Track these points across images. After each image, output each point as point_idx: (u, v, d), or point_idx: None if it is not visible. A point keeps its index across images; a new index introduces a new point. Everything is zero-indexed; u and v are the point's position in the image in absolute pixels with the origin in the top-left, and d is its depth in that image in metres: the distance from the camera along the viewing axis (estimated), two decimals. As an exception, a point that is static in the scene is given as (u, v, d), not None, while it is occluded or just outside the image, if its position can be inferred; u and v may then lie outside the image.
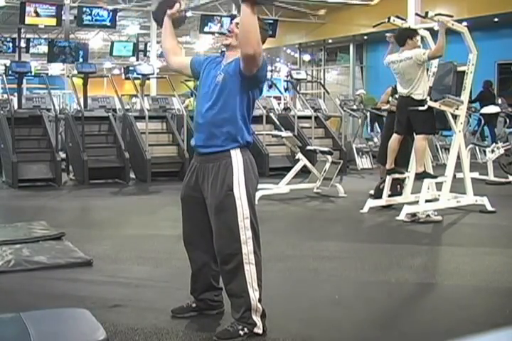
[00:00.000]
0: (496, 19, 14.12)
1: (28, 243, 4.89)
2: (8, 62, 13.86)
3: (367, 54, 18.97)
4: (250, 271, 3.03)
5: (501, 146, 9.32)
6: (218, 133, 3.07)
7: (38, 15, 13.08)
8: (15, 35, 15.32)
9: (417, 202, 6.30)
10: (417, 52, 6.21)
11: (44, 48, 15.66)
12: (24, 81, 12.01)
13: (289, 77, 12.00)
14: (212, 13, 16.35)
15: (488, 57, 11.30)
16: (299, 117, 10.69)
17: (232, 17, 14.43)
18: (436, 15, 6.17)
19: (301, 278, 4.21)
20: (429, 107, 6.25)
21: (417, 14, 7.48)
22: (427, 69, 6.46)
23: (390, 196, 6.76)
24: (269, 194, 7.42)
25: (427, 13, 6.18)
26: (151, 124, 9.49)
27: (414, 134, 6.43)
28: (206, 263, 3.26)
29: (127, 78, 15.93)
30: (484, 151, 9.80)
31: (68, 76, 13.40)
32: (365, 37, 17.50)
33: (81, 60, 13.53)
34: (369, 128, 12.98)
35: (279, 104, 12.80)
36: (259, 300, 3.05)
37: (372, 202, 6.67)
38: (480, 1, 13.63)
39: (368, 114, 12.52)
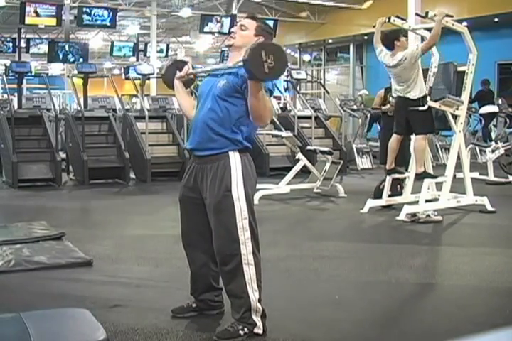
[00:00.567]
0: (496, 19, 14.13)
1: (28, 243, 4.89)
2: (8, 62, 13.86)
3: (367, 54, 18.97)
4: (249, 271, 3.03)
5: (501, 146, 9.32)
6: (214, 137, 3.06)
7: (38, 15, 13.07)
8: (15, 35, 15.32)
9: (417, 202, 6.30)
10: (409, 51, 6.17)
11: (44, 47, 15.66)
12: (24, 81, 12.02)
13: (289, 77, 11.99)
14: (212, 13, 16.35)
15: (488, 57, 11.29)
16: (299, 117, 10.69)
17: (233, 17, 14.46)
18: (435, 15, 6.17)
19: (301, 278, 4.21)
20: (428, 107, 6.24)
21: (417, 14, 7.48)
22: (427, 69, 6.46)
23: (390, 196, 6.76)
24: (269, 194, 7.42)
25: (427, 13, 6.18)
26: (151, 124, 9.50)
27: (414, 135, 6.42)
28: (205, 264, 3.26)
29: (127, 78, 15.92)
30: (484, 151, 9.80)
31: (68, 76, 13.41)
32: (365, 37, 17.49)
33: (81, 60, 13.52)
34: (365, 129, 12.93)
35: (278, 104, 12.78)
36: (259, 301, 3.05)
37: (372, 202, 6.67)
38: (480, 1, 13.64)
39: (369, 114, 12.50)
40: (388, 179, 6.71)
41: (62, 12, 13.50)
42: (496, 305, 3.72)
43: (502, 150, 9.22)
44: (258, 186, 7.27)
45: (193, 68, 3.42)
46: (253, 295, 3.03)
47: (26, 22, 13.09)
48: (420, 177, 6.40)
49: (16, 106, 10.29)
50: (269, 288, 3.32)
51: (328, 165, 7.88)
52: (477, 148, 10.42)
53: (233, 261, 3.03)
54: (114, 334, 3.04)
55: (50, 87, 11.14)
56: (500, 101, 12.44)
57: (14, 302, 3.62)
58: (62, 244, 4.93)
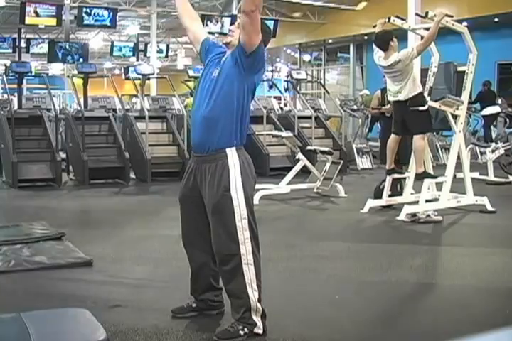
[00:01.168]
0: (496, 19, 14.13)
1: (28, 243, 4.89)
2: (8, 62, 13.85)
3: (367, 54, 18.96)
4: (249, 271, 3.03)
5: (501, 146, 9.32)
6: (212, 131, 3.07)
7: (38, 15, 13.04)
8: (15, 35, 15.31)
9: (417, 202, 6.30)
10: (405, 53, 6.12)
11: (44, 47, 15.64)
12: (24, 81, 12.00)
13: (289, 77, 12.00)
14: (212, 13, 16.34)
15: (488, 57, 11.30)
16: (299, 117, 10.69)
17: (233, 17, 14.45)
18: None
19: (301, 278, 4.21)
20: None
21: (417, 14, 7.48)
22: (427, 69, 6.46)
23: (390, 196, 6.76)
24: (269, 194, 7.42)
25: (427, 13, 6.18)
26: (151, 124, 9.50)
27: (414, 136, 6.41)
28: (206, 264, 3.26)
29: (127, 78, 15.92)
30: (484, 151, 9.80)
31: (68, 76, 13.41)
32: (365, 37, 17.49)
33: (81, 60, 13.51)
34: (366, 129, 12.95)
35: (279, 104, 12.80)
36: (259, 301, 3.05)
37: (372, 202, 6.67)
38: (480, 1, 13.64)
39: (370, 114, 12.50)
40: (388, 179, 6.72)
41: (62, 12, 13.47)
42: (496, 305, 3.72)
43: (502, 151, 9.22)
44: (258, 186, 7.33)
45: None
46: (253, 295, 3.03)
47: (26, 22, 13.06)
48: (420, 177, 6.40)
49: (16, 106, 10.28)
50: (269, 288, 3.32)
51: (328, 165, 7.88)
52: (477, 148, 10.41)
53: (233, 261, 3.03)
54: (114, 334, 3.03)
55: (50, 87, 11.13)
56: (500, 101, 12.44)
57: (14, 302, 3.62)
58: (62, 244, 4.93)
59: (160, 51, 19.05)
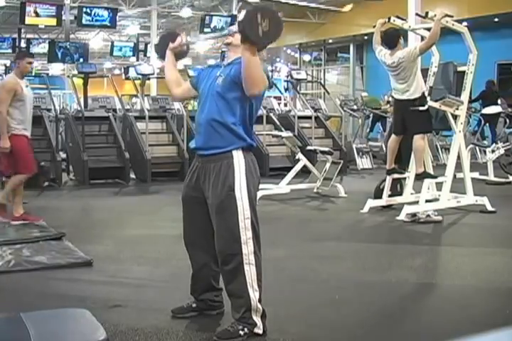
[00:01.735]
0: (496, 19, 14.13)
1: (28, 243, 4.89)
2: (8, 62, 13.85)
3: (367, 54, 18.98)
4: (250, 271, 3.03)
5: (501, 146, 9.32)
6: (218, 135, 3.07)
7: (38, 15, 13.06)
8: (15, 35, 15.31)
9: (417, 202, 6.31)
10: (408, 50, 6.19)
11: (45, 47, 15.63)
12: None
13: (289, 77, 11.99)
14: (212, 13, 16.35)
15: (488, 57, 11.30)
16: (299, 117, 10.69)
17: (233, 17, 14.46)
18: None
19: (301, 278, 4.21)
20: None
21: (417, 14, 7.48)
22: (427, 69, 6.46)
23: (390, 196, 6.76)
24: (269, 194, 7.42)
25: (427, 13, 6.18)
26: (151, 124, 9.50)
27: (415, 135, 6.40)
28: (207, 264, 3.26)
29: (127, 78, 15.91)
30: (484, 151, 9.80)
31: (68, 76, 13.41)
32: (365, 37, 17.49)
33: (81, 60, 13.52)
34: (368, 129, 12.97)
35: (279, 104, 12.78)
36: (259, 301, 3.05)
37: (372, 202, 6.67)
38: (480, 1, 13.64)
39: (371, 114, 12.51)
40: (388, 179, 6.72)
41: (62, 12, 13.49)
42: (496, 305, 3.72)
43: (502, 151, 9.22)
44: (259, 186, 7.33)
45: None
46: (253, 295, 3.03)
47: (26, 22, 13.08)
48: (420, 177, 6.40)
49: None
50: (270, 288, 3.32)
51: (328, 165, 7.89)
52: (477, 148, 10.42)
53: (234, 261, 3.03)
54: (114, 334, 3.03)
55: (51, 87, 11.14)
56: (500, 102, 12.43)
57: (14, 302, 3.62)
58: (62, 244, 4.93)
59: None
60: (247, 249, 3.03)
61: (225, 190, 3.03)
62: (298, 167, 7.95)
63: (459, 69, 6.63)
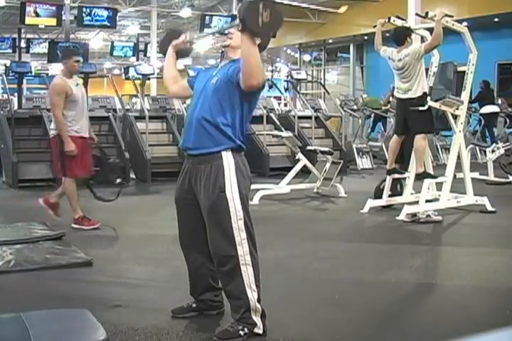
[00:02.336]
0: (496, 19, 14.12)
1: (28, 243, 4.89)
2: (8, 62, 13.84)
3: (367, 54, 18.97)
4: (247, 272, 3.03)
5: (501, 146, 9.32)
6: (208, 135, 3.06)
7: (37, 15, 13.05)
8: (15, 35, 15.32)
9: (417, 202, 6.30)
10: (413, 48, 6.24)
11: (44, 46, 15.65)
12: (24, 81, 12.00)
13: (289, 77, 11.99)
14: (212, 13, 16.35)
15: (489, 57, 11.29)
16: (299, 117, 10.69)
17: (233, 17, 14.44)
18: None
19: (301, 278, 4.21)
20: (428, 106, 6.25)
21: (417, 14, 7.49)
22: (427, 69, 6.47)
23: (390, 196, 6.76)
24: (269, 194, 7.42)
25: (427, 13, 6.19)
26: (151, 124, 9.50)
27: (416, 135, 6.40)
28: (203, 264, 3.25)
29: (127, 78, 15.92)
30: (484, 151, 9.80)
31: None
32: (365, 37, 17.49)
33: (81, 60, 13.51)
34: (369, 129, 13.00)
35: (279, 104, 12.78)
36: (258, 301, 3.05)
37: (372, 202, 6.67)
38: (480, 1, 13.63)
39: (373, 114, 12.52)
40: (388, 179, 6.72)
41: (62, 12, 13.48)
42: (496, 305, 3.72)
43: (502, 151, 9.22)
44: (258, 186, 7.34)
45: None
46: (252, 295, 3.02)
47: (26, 22, 13.07)
48: (420, 177, 6.40)
49: (16, 106, 10.28)
50: (269, 288, 3.32)
51: (328, 165, 7.88)
52: (477, 148, 10.42)
53: (230, 262, 3.02)
54: (114, 334, 3.03)
55: (50, 87, 11.12)
56: (500, 101, 12.44)
57: (14, 302, 3.62)
58: (62, 244, 4.93)
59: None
60: (243, 249, 3.02)
61: (216, 192, 3.02)
62: (298, 167, 7.95)
63: (459, 69, 6.64)
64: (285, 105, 14.20)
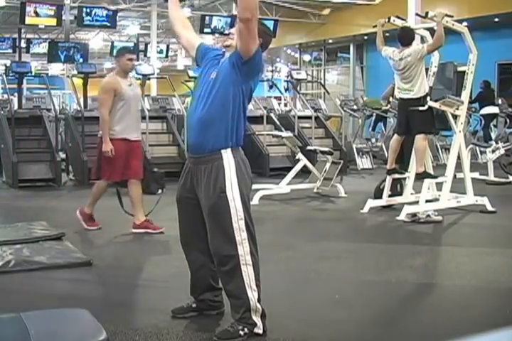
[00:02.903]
0: (496, 19, 14.12)
1: (28, 243, 4.89)
2: (8, 62, 13.85)
3: (367, 54, 18.97)
4: (248, 271, 3.03)
5: (501, 146, 9.32)
6: (207, 133, 3.07)
7: (38, 15, 13.04)
8: (15, 35, 15.32)
9: (417, 202, 6.30)
10: (415, 48, 6.25)
11: (44, 46, 15.64)
12: (24, 81, 12.00)
13: (290, 77, 12.00)
14: (212, 13, 16.35)
15: (489, 57, 11.29)
16: (299, 117, 10.68)
17: (233, 17, 14.44)
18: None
19: (301, 278, 4.21)
20: (428, 106, 6.26)
21: (417, 14, 7.49)
22: (427, 69, 6.47)
23: (390, 196, 6.76)
24: (269, 194, 7.42)
25: (427, 13, 6.19)
26: (152, 124, 9.50)
27: (417, 135, 6.40)
28: (204, 264, 3.26)
29: (127, 78, 15.89)
30: (485, 151, 9.80)
31: (68, 76, 13.40)
32: (366, 37, 17.49)
33: (81, 60, 13.51)
34: (370, 129, 13.01)
35: (279, 104, 12.78)
36: (259, 301, 3.05)
37: (372, 202, 6.67)
38: (480, 1, 13.63)
39: (374, 114, 12.52)
40: (388, 179, 6.71)
41: (62, 12, 13.48)
42: (496, 305, 3.72)
43: (502, 151, 9.22)
44: (258, 186, 7.33)
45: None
46: (252, 295, 3.03)
47: (26, 22, 13.06)
48: (420, 177, 6.40)
49: (16, 106, 10.28)
50: (269, 288, 3.32)
51: (328, 165, 7.88)
52: (477, 148, 10.42)
53: (231, 262, 3.03)
54: (114, 334, 3.03)
55: (50, 87, 11.14)
56: (500, 102, 12.44)
57: (14, 302, 3.62)
58: (62, 244, 4.93)
59: (160, 51, 19.04)
60: (243, 249, 3.02)
61: (217, 192, 3.03)
62: (298, 167, 7.95)
63: (459, 69, 6.64)
64: (285, 105, 14.22)
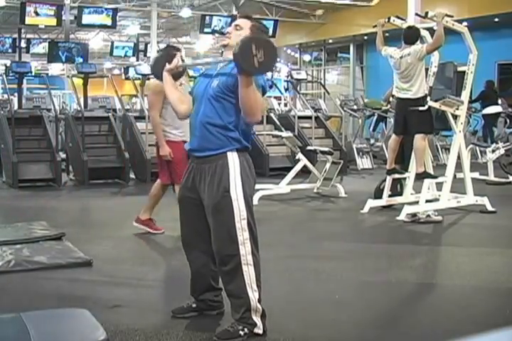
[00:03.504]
0: (496, 19, 14.12)
1: (28, 243, 4.89)
2: (8, 62, 13.85)
3: (367, 54, 18.96)
4: (249, 271, 3.03)
5: (502, 146, 9.32)
6: (213, 137, 3.06)
7: (38, 15, 13.06)
8: (15, 35, 15.31)
9: (417, 202, 6.30)
10: (415, 47, 6.24)
11: (44, 46, 15.64)
12: (24, 81, 12.01)
13: (290, 77, 12.00)
14: (212, 13, 16.34)
15: (489, 57, 11.29)
16: (299, 117, 10.68)
17: (233, 17, 14.44)
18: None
19: (301, 278, 4.21)
20: (427, 107, 6.26)
21: (417, 14, 7.48)
22: (427, 69, 6.47)
23: (390, 196, 6.76)
24: (269, 194, 7.42)
25: (427, 13, 6.19)
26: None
27: (416, 135, 6.39)
28: (205, 264, 3.26)
29: (127, 78, 15.92)
30: (484, 151, 9.80)
31: (68, 76, 13.40)
32: (366, 37, 17.48)
33: (81, 60, 13.51)
34: (371, 128, 13.02)
35: (279, 104, 12.77)
36: (259, 301, 3.05)
37: (372, 202, 6.67)
38: (480, 1, 13.63)
39: (375, 114, 12.52)
40: (388, 179, 6.71)
41: (62, 12, 13.48)
42: (496, 305, 3.72)
43: (502, 151, 9.22)
44: (258, 186, 7.31)
45: (182, 61, 3.44)
46: (253, 295, 3.03)
47: (26, 22, 13.07)
48: (420, 177, 6.40)
49: (16, 107, 10.29)
50: (269, 288, 3.32)
51: (328, 165, 7.88)
52: (477, 148, 10.42)
53: (232, 262, 3.03)
54: (114, 334, 3.03)
55: (50, 87, 11.13)
56: (500, 102, 12.43)
57: (14, 302, 3.62)
58: (62, 244, 4.92)
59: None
60: (245, 249, 3.02)
61: (221, 191, 3.02)
62: (298, 167, 7.95)
63: (459, 69, 6.64)
64: (285, 105, 14.22)
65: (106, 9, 14.14)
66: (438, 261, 5.00)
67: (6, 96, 12.13)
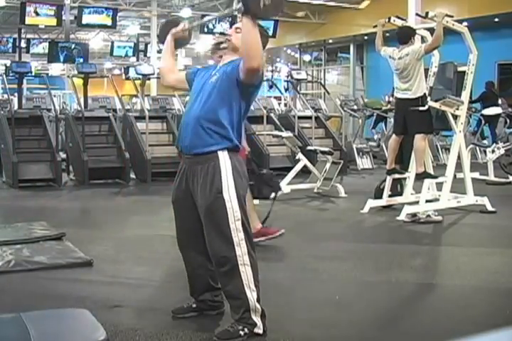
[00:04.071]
0: (496, 19, 14.12)
1: (28, 243, 4.89)
2: (8, 62, 13.85)
3: (367, 54, 18.97)
4: (246, 272, 3.02)
5: (502, 146, 9.32)
6: (205, 134, 3.05)
7: (38, 15, 13.05)
8: (15, 35, 15.32)
9: (417, 203, 6.30)
10: (414, 47, 6.25)
11: (44, 46, 15.64)
12: (24, 81, 12.00)
13: (290, 77, 12.00)
14: (212, 13, 16.34)
15: (489, 57, 11.29)
16: (300, 117, 10.68)
17: (233, 17, 14.44)
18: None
19: (301, 279, 4.20)
20: (427, 107, 6.26)
21: (417, 14, 7.49)
22: (427, 69, 6.47)
23: (390, 196, 6.76)
24: (269, 194, 7.40)
25: (427, 13, 6.20)
26: (152, 124, 9.50)
27: (416, 135, 6.40)
28: (202, 265, 3.25)
29: (127, 78, 15.91)
30: (485, 151, 9.79)
31: (68, 76, 13.40)
32: (366, 37, 17.49)
33: (81, 60, 13.51)
34: (371, 128, 13.03)
35: (279, 104, 12.76)
36: (258, 301, 3.04)
37: (372, 202, 6.67)
38: (480, 1, 13.63)
39: (375, 113, 12.52)
40: (388, 179, 6.71)
41: (62, 12, 13.48)
42: (496, 305, 3.72)
43: (502, 151, 9.22)
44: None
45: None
46: (251, 295, 3.02)
47: (26, 22, 13.06)
48: (420, 177, 6.40)
49: (16, 107, 10.29)
50: (269, 288, 3.32)
51: (328, 165, 7.89)
52: (477, 148, 10.41)
53: (229, 263, 3.02)
54: (114, 334, 3.03)
55: (50, 87, 11.13)
56: (500, 102, 12.43)
57: (14, 302, 3.62)
58: (62, 244, 4.93)
59: (160, 51, 19.00)
60: (241, 250, 3.02)
61: (213, 193, 3.01)
62: (298, 167, 7.95)
63: (459, 69, 6.65)
64: (285, 105, 14.21)
65: (106, 9, 14.13)
66: (438, 261, 5.00)
67: (6, 96, 12.13)
